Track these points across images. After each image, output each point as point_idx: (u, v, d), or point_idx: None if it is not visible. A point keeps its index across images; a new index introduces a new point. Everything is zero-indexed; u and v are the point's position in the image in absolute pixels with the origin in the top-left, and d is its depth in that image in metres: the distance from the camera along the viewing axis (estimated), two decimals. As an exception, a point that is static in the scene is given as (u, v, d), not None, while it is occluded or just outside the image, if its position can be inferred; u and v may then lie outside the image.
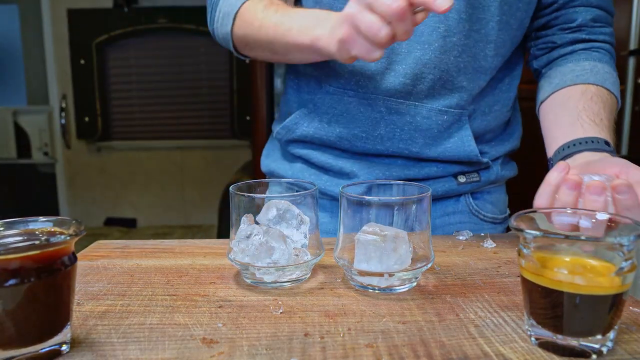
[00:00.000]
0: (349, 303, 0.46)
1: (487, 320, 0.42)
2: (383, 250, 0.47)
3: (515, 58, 0.78)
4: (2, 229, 0.39)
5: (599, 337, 0.36)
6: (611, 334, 0.37)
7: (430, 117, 0.70)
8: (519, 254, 0.39)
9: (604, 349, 0.37)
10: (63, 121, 3.44)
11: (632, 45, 2.14)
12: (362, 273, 0.48)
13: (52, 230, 0.39)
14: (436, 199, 0.77)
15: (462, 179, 0.76)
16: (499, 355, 0.37)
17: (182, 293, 0.49)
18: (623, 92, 2.19)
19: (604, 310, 0.36)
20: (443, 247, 0.63)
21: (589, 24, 0.73)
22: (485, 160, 0.75)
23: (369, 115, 0.71)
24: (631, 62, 2.15)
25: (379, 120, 0.71)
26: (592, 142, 0.62)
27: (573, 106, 0.67)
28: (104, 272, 0.55)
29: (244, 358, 0.36)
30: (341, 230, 0.51)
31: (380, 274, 0.47)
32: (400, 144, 0.72)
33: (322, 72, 0.74)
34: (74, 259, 0.38)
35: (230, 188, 0.52)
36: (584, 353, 0.37)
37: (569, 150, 0.63)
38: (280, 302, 0.46)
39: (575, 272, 0.36)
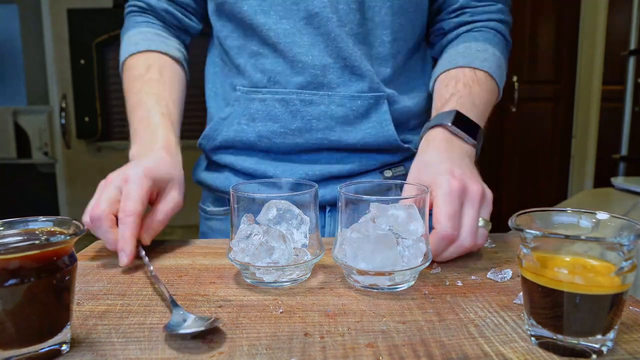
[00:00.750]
0: (349, 303, 0.46)
1: (487, 320, 0.42)
2: (368, 248, 0.47)
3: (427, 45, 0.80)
4: (2, 228, 0.39)
5: (599, 337, 0.36)
6: (611, 334, 0.37)
7: (344, 104, 0.71)
8: (519, 254, 0.39)
9: (604, 349, 0.37)
10: (63, 121, 3.44)
11: (632, 45, 2.14)
12: (361, 272, 0.48)
13: (52, 230, 0.40)
14: None
15: (388, 173, 0.76)
16: (499, 355, 0.37)
17: (182, 293, 0.49)
18: (623, 92, 2.19)
19: (603, 310, 0.36)
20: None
21: (471, 4, 0.75)
22: (406, 146, 0.75)
23: (285, 110, 0.72)
24: (631, 62, 2.15)
25: (295, 114, 0.71)
26: (429, 122, 0.67)
27: (436, 94, 0.73)
28: (104, 272, 0.55)
29: (244, 358, 0.36)
30: (340, 229, 0.51)
31: (381, 273, 0.47)
32: (318, 134, 0.72)
33: (234, 76, 0.76)
34: (74, 258, 0.38)
35: (230, 188, 0.52)
36: (583, 353, 0.37)
37: (422, 132, 0.68)
38: (280, 302, 0.46)
39: (575, 272, 0.36)
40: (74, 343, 0.39)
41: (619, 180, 1.26)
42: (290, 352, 0.37)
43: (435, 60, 0.81)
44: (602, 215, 0.40)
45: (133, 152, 0.69)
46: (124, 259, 0.55)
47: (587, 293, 0.35)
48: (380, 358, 0.36)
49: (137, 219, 0.57)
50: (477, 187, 0.55)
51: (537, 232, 0.37)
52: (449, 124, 0.63)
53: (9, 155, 3.43)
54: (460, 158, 0.61)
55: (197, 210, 0.85)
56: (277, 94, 0.71)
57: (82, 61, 3.37)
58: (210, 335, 0.40)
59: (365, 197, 0.50)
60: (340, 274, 0.53)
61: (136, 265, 0.56)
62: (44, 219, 0.40)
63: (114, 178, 0.61)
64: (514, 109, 2.83)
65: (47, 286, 0.35)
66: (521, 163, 3.00)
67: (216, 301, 0.47)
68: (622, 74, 2.18)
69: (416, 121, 0.78)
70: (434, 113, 0.70)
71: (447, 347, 0.38)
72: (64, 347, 0.38)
